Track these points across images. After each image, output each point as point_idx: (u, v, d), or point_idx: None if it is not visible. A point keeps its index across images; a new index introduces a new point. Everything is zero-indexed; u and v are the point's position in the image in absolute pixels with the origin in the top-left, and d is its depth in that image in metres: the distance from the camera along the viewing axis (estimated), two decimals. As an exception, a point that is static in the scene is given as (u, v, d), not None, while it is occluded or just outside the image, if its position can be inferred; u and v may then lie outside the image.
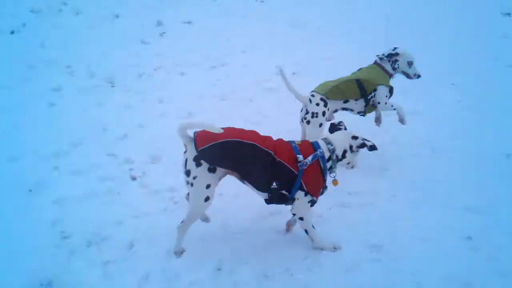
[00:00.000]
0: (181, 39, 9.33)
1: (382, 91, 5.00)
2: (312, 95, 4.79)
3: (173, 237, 3.81)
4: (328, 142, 3.61)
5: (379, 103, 5.03)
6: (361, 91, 4.91)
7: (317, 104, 4.72)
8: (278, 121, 6.00)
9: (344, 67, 5.58)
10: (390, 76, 5.15)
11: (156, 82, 7.63)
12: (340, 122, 3.92)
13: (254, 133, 3.48)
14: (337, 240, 3.94)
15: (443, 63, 7.96)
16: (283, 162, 3.40)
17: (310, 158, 3.46)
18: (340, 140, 3.65)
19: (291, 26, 9.77)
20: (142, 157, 5.48)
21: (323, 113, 4.73)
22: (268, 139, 3.51)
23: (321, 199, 3.78)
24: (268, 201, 3.62)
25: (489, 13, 10.06)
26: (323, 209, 4.33)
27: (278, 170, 3.41)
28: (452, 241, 4.04)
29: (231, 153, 3.32)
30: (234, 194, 4.54)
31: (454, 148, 5.57)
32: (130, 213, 4.46)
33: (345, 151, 3.63)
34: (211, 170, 3.37)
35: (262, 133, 3.62)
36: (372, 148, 3.62)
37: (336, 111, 5.05)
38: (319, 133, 4.67)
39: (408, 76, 5.21)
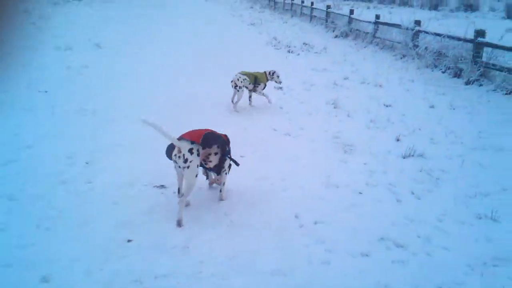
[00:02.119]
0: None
1: (262, 84, 8.74)
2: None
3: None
4: None
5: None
6: (255, 81, 8.65)
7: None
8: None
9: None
10: (267, 79, 8.84)
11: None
12: None
13: (207, 129, 4.91)
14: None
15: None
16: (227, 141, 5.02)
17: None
18: None
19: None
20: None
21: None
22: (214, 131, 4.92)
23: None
24: (217, 167, 4.97)
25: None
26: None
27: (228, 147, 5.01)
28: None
29: (211, 138, 4.72)
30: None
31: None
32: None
33: None
34: (198, 154, 4.54)
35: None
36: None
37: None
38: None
39: (277, 82, 8.95)
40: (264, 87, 8.76)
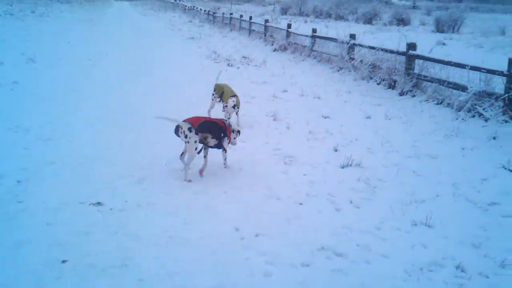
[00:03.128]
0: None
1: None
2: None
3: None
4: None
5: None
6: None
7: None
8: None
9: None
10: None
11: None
12: None
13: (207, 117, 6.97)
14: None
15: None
16: (222, 125, 6.21)
17: (227, 122, 6.32)
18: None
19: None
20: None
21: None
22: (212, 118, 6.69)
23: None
24: (217, 146, 6.24)
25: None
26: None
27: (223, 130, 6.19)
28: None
29: (206, 125, 6.04)
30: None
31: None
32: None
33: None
34: (196, 133, 5.90)
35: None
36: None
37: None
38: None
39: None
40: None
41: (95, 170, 6.20)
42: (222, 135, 6.19)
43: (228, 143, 6.35)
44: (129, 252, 4.29)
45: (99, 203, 5.21)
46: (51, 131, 7.71)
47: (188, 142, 5.93)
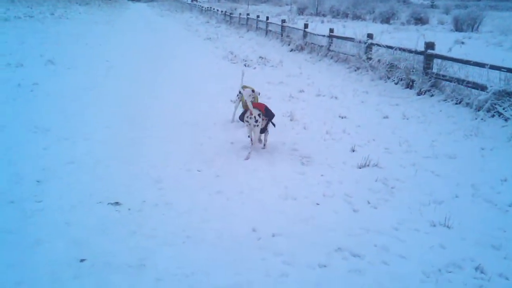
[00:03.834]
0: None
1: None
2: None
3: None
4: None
5: None
6: None
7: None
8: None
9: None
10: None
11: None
12: None
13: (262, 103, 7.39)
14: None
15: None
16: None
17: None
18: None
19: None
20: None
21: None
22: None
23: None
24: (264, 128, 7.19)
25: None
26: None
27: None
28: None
29: (267, 111, 7.06)
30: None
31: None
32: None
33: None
34: (263, 119, 6.94)
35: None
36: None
37: None
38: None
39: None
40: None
41: (112, 170, 6.25)
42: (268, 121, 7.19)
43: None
44: (147, 252, 4.31)
45: (117, 203, 5.24)
46: (69, 131, 7.78)
47: (258, 126, 6.89)
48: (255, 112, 6.84)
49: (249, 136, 7.21)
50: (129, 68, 14.55)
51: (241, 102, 8.38)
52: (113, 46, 19.58)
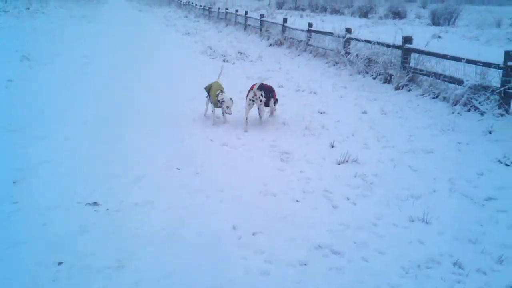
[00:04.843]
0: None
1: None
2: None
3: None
4: None
5: None
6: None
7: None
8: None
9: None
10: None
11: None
12: None
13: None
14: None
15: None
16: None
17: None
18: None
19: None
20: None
21: None
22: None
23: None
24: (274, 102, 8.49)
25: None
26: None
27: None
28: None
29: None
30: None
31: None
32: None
33: None
34: (264, 97, 8.12)
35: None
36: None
37: None
38: None
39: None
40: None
41: (90, 169, 6.18)
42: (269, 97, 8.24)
43: (275, 103, 8.65)
44: (126, 252, 4.28)
45: (95, 203, 5.19)
46: (46, 129, 7.68)
47: (261, 100, 8.04)
48: (258, 93, 7.98)
49: (246, 119, 8.10)
50: (107, 63, 14.40)
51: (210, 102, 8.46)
52: (91, 42, 19.34)
